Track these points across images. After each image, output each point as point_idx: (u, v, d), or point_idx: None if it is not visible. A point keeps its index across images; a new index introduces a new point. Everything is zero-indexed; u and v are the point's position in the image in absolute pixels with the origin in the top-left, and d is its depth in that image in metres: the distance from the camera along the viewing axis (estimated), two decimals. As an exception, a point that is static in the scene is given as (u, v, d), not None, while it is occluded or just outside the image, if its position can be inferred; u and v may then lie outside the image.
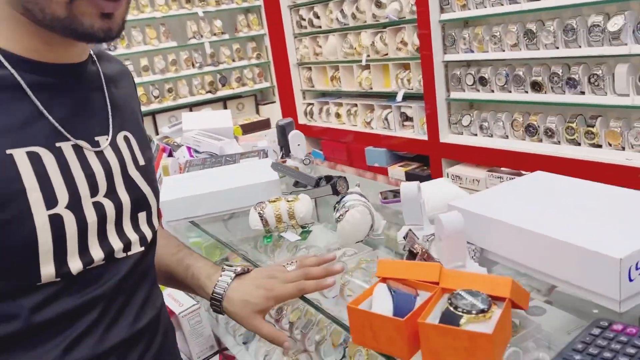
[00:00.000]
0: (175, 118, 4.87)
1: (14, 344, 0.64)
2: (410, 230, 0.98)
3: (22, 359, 0.64)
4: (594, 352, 0.59)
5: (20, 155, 0.61)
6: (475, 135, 3.08)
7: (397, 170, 3.57)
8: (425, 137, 3.31)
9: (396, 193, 1.30)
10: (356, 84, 3.86)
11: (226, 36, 5.24)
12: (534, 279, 0.84)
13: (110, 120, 0.74)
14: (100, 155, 0.70)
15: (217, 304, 0.87)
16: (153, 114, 5.08)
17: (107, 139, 0.72)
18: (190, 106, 5.17)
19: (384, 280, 0.71)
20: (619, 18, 2.28)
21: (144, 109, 3.99)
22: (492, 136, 2.99)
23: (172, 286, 1.00)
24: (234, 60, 5.35)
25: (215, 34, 5.18)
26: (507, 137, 2.92)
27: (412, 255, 0.86)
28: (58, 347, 0.66)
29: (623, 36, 2.27)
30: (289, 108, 4.59)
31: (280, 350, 1.23)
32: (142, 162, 0.78)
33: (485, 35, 2.84)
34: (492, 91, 2.91)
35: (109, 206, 0.70)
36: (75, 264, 0.66)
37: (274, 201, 1.17)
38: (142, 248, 0.76)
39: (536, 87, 2.69)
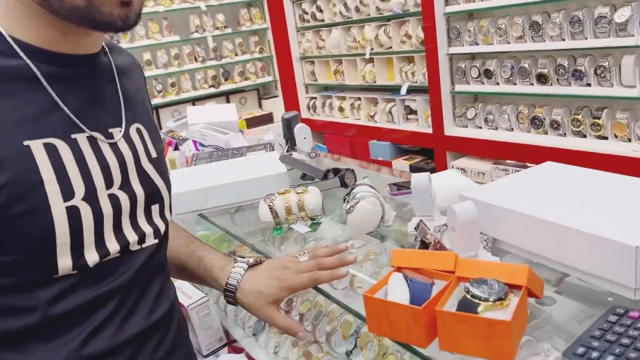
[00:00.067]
0: (178, 112, 4.86)
1: (31, 336, 0.64)
2: (421, 221, 0.98)
3: (40, 351, 0.65)
4: (612, 339, 0.59)
5: (37, 147, 0.61)
6: (480, 128, 3.07)
7: (401, 164, 3.56)
8: (430, 130, 3.30)
9: (400, 186, 1.30)
10: (360, 78, 3.85)
11: (229, 30, 5.22)
12: (544, 270, 0.84)
13: (123, 112, 0.74)
14: (114, 147, 0.70)
15: (231, 295, 0.87)
16: (156, 108, 5.07)
17: (120, 131, 0.72)
18: (193, 100, 5.16)
19: (398, 269, 0.72)
20: (626, 9, 2.26)
21: (147, 103, 3.97)
22: (497, 129, 2.99)
23: (184, 278, 1.00)
24: (236, 55, 5.34)
25: (217, 28, 5.16)
26: (512, 129, 2.92)
27: (424, 245, 0.86)
28: (75, 339, 0.66)
29: (630, 27, 2.25)
30: (291, 102, 4.58)
31: (290, 341, 1.23)
32: (154, 154, 0.78)
33: (491, 28, 2.83)
34: (497, 84, 2.90)
35: (124, 198, 0.70)
36: (91, 256, 0.66)
37: (284, 193, 1.17)
38: (156, 240, 0.76)
39: (542, 79, 2.68)
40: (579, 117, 2.58)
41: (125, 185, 0.70)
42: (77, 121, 0.66)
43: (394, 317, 0.64)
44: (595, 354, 0.57)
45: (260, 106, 5.69)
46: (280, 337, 1.29)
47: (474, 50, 2.97)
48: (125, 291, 0.71)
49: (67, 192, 0.63)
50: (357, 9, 3.67)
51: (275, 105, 5.28)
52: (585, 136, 2.59)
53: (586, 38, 2.43)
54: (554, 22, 2.52)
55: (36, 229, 0.61)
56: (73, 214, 0.63)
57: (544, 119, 2.74)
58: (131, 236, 0.71)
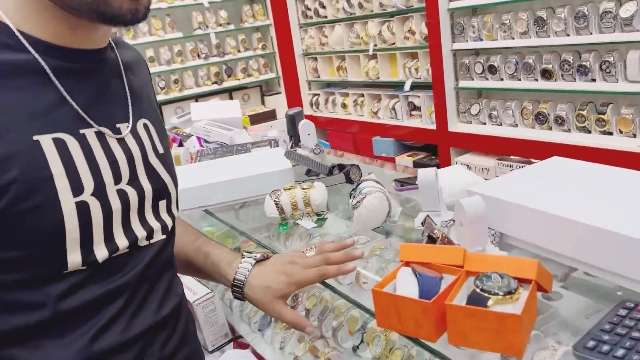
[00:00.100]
0: (181, 109, 4.86)
1: (41, 332, 0.64)
2: (428, 216, 0.98)
3: (50, 347, 0.65)
4: (622, 332, 0.59)
5: (47, 142, 0.61)
6: (484, 124, 3.06)
7: (405, 160, 3.56)
8: (434, 127, 3.30)
9: (405, 182, 1.30)
10: (363, 74, 3.84)
11: (231, 27, 5.22)
12: (550, 264, 0.84)
13: (130, 107, 0.74)
14: (122, 142, 0.70)
15: (238, 291, 0.87)
16: (159, 105, 5.07)
17: (127, 127, 0.72)
18: (196, 97, 5.16)
19: (407, 264, 0.71)
20: (632, 4, 2.25)
21: (150, 100, 3.97)
22: (501, 125, 2.98)
23: (190, 274, 1.01)
24: (239, 51, 5.34)
25: (220, 25, 5.16)
26: (516, 125, 2.91)
27: (431, 240, 0.86)
28: (85, 335, 0.66)
29: (635, 22, 2.24)
30: (294, 99, 4.58)
31: (296, 337, 1.23)
32: (161, 150, 0.78)
33: (495, 23, 2.82)
34: (502, 79, 2.89)
35: (132, 194, 0.70)
36: (101, 252, 0.66)
37: (290, 189, 1.17)
38: (164, 236, 0.76)
39: (546, 74, 2.67)
40: (584, 112, 2.57)
41: (134, 181, 0.71)
42: (85, 116, 0.66)
43: (403, 311, 0.64)
44: (605, 347, 0.57)
45: (263, 103, 5.69)
46: (286, 332, 1.29)
47: (478, 46, 2.96)
48: (134, 287, 0.71)
49: (77, 187, 0.63)
50: (360, 5, 3.66)
51: (278, 102, 5.27)
52: (590, 132, 2.58)
53: (591, 33, 2.42)
54: (559, 17, 2.51)
55: (46, 224, 0.61)
56: (82, 210, 0.63)
57: (549, 114, 2.73)
58: (139, 232, 0.71)
